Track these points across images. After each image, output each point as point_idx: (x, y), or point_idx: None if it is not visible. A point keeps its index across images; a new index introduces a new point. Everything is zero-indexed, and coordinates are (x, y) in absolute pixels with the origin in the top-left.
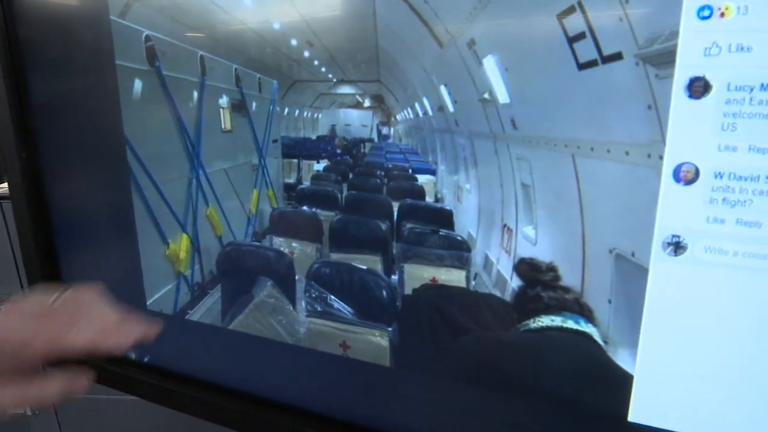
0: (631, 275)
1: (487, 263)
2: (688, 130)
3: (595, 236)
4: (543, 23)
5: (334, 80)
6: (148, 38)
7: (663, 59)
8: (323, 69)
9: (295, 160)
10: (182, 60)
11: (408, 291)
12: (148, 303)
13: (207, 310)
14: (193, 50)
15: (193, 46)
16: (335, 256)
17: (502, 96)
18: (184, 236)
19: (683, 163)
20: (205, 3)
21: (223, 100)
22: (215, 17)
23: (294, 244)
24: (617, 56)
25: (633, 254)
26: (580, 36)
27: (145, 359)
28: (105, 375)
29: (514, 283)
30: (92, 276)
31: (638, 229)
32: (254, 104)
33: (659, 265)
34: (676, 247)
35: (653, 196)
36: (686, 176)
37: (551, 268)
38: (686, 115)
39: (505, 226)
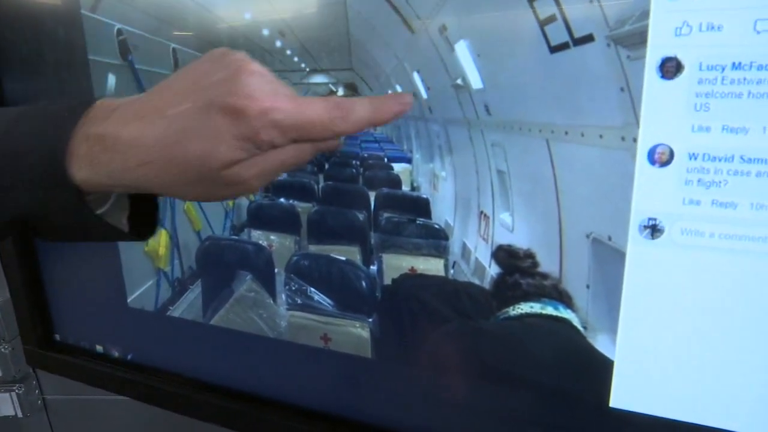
0: (608, 260)
1: (465, 251)
2: (662, 111)
3: (572, 221)
4: (514, 7)
5: (307, 70)
6: (120, 32)
7: (634, 40)
8: (296, 59)
9: None
10: (155, 53)
11: (387, 281)
12: (129, 300)
13: (188, 305)
14: (166, 43)
15: (166, 39)
16: (314, 248)
17: (475, 81)
18: (163, 232)
19: (657, 145)
20: None
21: None
22: (186, 9)
23: (272, 237)
24: (588, 38)
25: (610, 238)
26: (551, 19)
27: (128, 357)
28: (92, 375)
29: (493, 270)
30: (71, 273)
31: (614, 213)
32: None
33: (636, 249)
34: (653, 230)
35: (629, 180)
36: (661, 158)
37: (529, 255)
38: (659, 96)
39: (482, 213)
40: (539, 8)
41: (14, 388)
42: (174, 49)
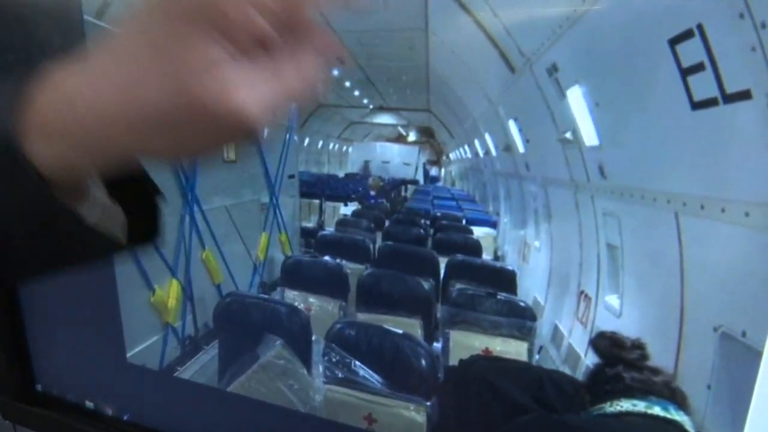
0: (738, 358)
1: (557, 335)
2: None
3: (697, 310)
4: (650, 49)
5: (371, 107)
6: None
7: None
8: (356, 92)
9: (317, 201)
10: None
11: (454, 361)
12: (128, 354)
13: (201, 367)
14: None
15: None
16: (363, 317)
17: (590, 137)
18: (174, 282)
19: None
20: None
21: None
22: None
23: (311, 300)
24: (744, 95)
25: (744, 334)
26: (697, 68)
27: (125, 417)
28: None
29: (590, 359)
30: (60, 313)
31: (753, 305)
32: (266, 130)
33: None
34: None
35: None
36: None
37: (638, 346)
38: None
39: (582, 293)
40: (683, 53)
41: None
42: None
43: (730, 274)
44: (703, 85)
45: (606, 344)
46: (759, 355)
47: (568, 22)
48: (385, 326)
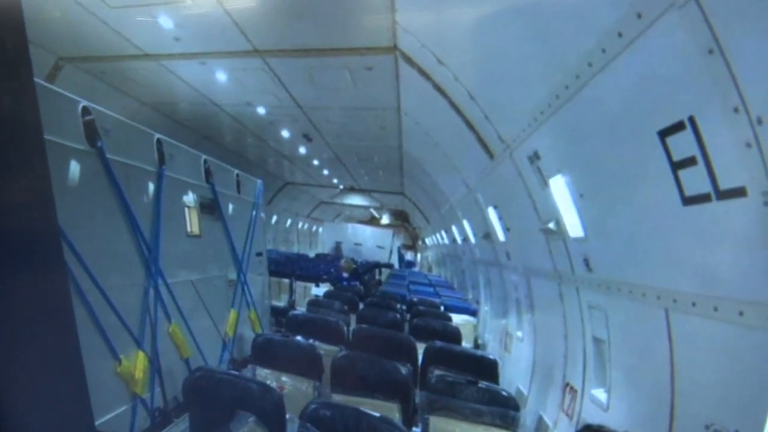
0: None
1: (541, 426)
2: None
3: (688, 407)
4: (638, 140)
5: (341, 187)
6: (86, 110)
7: None
8: (325, 171)
9: (287, 281)
10: (132, 142)
11: None
12: (98, 422)
13: None
14: (148, 132)
15: (148, 126)
16: (338, 398)
17: (574, 228)
18: (140, 353)
19: None
20: (161, 72)
21: (189, 198)
22: (175, 91)
23: (284, 379)
24: (739, 192)
25: None
26: (689, 162)
27: None
28: None
29: None
30: (25, 387)
31: (747, 405)
32: (230, 206)
33: None
34: None
35: None
36: None
37: None
38: None
39: (567, 385)
40: (674, 146)
41: None
42: (159, 141)
43: (722, 372)
44: (695, 180)
45: None
46: None
47: (550, 109)
48: (362, 408)
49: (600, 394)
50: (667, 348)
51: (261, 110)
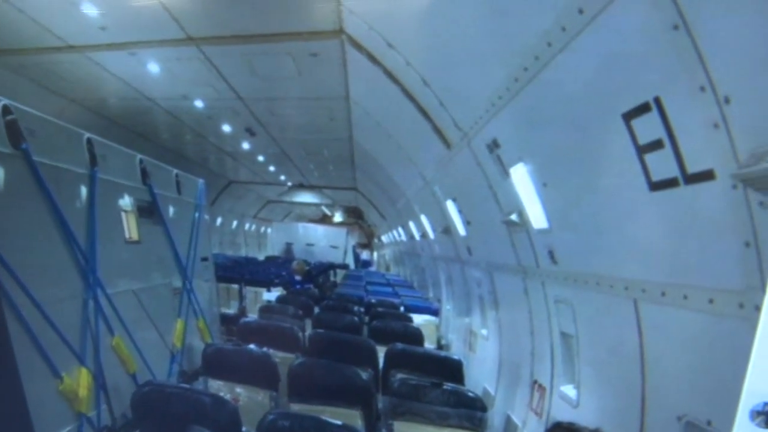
0: None
1: (509, 426)
2: None
3: (660, 399)
4: (602, 124)
5: (289, 184)
6: (7, 109)
7: None
8: (272, 168)
9: (236, 286)
10: (61, 143)
11: None
12: None
13: None
14: (77, 131)
15: (77, 125)
16: (297, 407)
17: (538, 219)
18: (83, 370)
19: None
20: (87, 65)
21: (126, 201)
22: (104, 85)
23: (238, 390)
24: (708, 175)
25: (709, 423)
26: (655, 145)
27: None
28: None
29: None
30: None
31: (719, 394)
32: (171, 208)
33: None
34: None
35: (742, 355)
36: None
37: None
38: None
39: (535, 383)
40: (639, 129)
41: None
42: (90, 140)
43: (693, 362)
44: (662, 164)
45: None
46: None
47: (509, 93)
48: (323, 417)
49: (569, 390)
50: (637, 340)
51: (199, 104)
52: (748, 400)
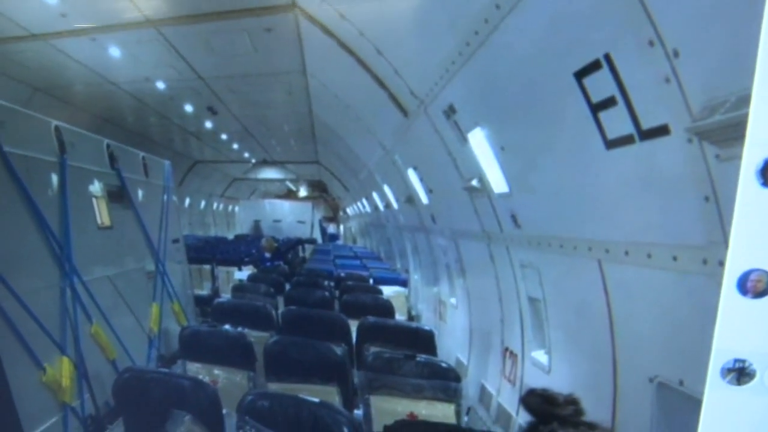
0: (678, 408)
1: (484, 395)
2: (760, 229)
3: (631, 361)
4: (555, 84)
5: (253, 161)
6: None
7: (727, 134)
8: (235, 145)
9: (208, 267)
10: (29, 132)
11: (378, 428)
12: None
13: None
14: (45, 119)
15: (44, 113)
16: (274, 386)
17: (498, 184)
18: (65, 359)
19: (751, 271)
20: (51, 53)
21: (96, 187)
22: (68, 72)
23: (216, 372)
24: (662, 130)
25: (681, 383)
26: (609, 102)
27: None
28: None
29: (522, 418)
30: None
31: (689, 353)
32: (140, 192)
33: (716, 396)
34: (740, 374)
35: (709, 313)
36: (756, 287)
37: (572, 401)
38: (757, 208)
39: (506, 350)
40: (591, 87)
41: None
42: (58, 128)
43: (661, 321)
44: (616, 122)
45: (537, 401)
46: (699, 403)
47: (461, 57)
48: (300, 395)
49: (540, 356)
50: (604, 301)
51: (161, 85)
52: (718, 357)
